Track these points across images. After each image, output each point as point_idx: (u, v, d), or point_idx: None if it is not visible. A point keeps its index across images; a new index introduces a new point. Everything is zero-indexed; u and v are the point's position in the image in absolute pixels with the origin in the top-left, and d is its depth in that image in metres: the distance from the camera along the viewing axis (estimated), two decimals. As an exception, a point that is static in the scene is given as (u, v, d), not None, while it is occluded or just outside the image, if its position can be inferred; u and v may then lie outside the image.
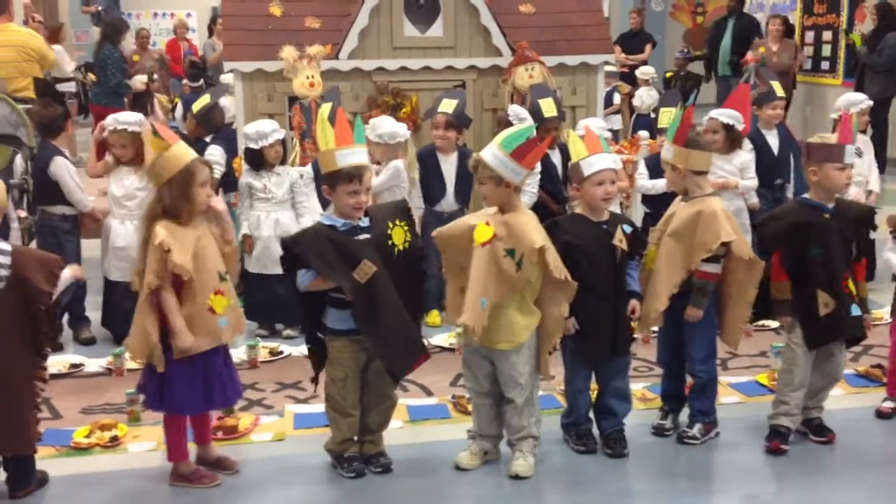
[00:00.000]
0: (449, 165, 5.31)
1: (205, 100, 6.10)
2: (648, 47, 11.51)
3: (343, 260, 3.35)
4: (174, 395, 3.39)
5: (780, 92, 5.73)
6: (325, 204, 4.76)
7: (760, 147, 5.56)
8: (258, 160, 5.08)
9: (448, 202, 5.32)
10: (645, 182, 5.42)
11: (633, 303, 3.64)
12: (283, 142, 5.15)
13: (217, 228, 3.48)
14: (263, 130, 5.04)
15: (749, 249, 3.67)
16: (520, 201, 3.56)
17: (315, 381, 3.64)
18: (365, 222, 3.46)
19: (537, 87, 5.79)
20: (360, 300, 3.35)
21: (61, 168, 4.96)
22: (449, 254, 3.53)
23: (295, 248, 3.41)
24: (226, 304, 3.40)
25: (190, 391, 3.39)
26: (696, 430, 3.79)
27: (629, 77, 10.36)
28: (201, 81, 11.24)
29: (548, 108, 5.42)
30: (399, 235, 3.47)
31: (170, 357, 3.33)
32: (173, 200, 3.34)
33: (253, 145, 5.05)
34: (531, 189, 5.12)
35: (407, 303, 3.46)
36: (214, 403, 3.53)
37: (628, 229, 3.64)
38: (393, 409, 3.65)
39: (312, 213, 5.02)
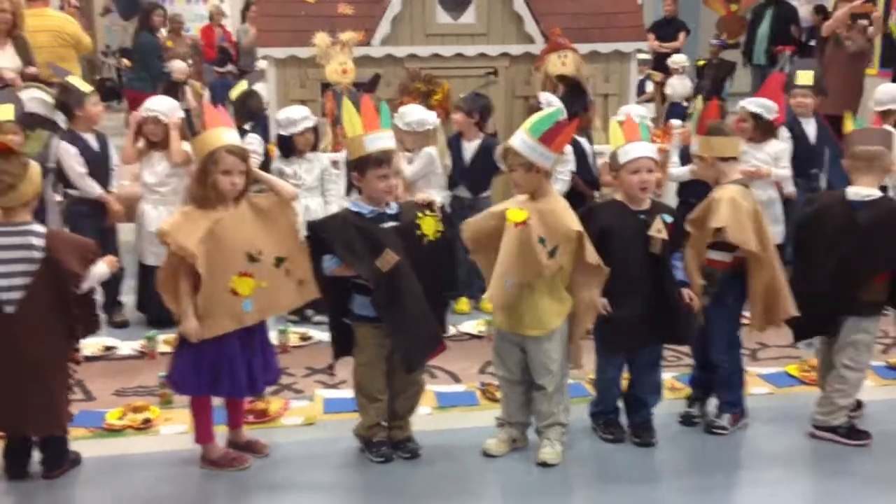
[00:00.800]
0: (468, 148, 5.29)
1: (242, 86, 6.11)
2: (682, 35, 11.35)
3: (367, 248, 3.34)
4: (177, 371, 3.42)
5: (802, 80, 5.62)
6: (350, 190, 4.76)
7: (797, 136, 5.48)
8: (288, 146, 5.11)
9: (461, 187, 5.29)
10: (673, 170, 5.37)
11: (686, 292, 3.56)
12: (314, 129, 5.17)
13: (271, 195, 3.48)
14: (293, 117, 5.07)
15: (745, 237, 3.50)
16: (552, 187, 3.55)
17: (332, 367, 3.64)
18: (392, 209, 3.46)
19: None
20: (380, 289, 3.35)
21: (62, 152, 4.90)
22: (478, 246, 3.49)
23: (321, 234, 3.42)
24: (253, 286, 3.36)
25: (191, 371, 3.37)
26: (725, 419, 3.76)
27: (662, 65, 10.25)
28: (229, 67, 11.30)
29: None
30: (429, 225, 3.46)
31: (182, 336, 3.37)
32: (194, 184, 3.39)
33: (283, 132, 5.08)
34: (563, 177, 5.09)
35: (435, 290, 3.46)
36: (220, 389, 3.43)
37: (669, 219, 3.57)
38: (420, 394, 3.66)
39: (340, 199, 5.04)
